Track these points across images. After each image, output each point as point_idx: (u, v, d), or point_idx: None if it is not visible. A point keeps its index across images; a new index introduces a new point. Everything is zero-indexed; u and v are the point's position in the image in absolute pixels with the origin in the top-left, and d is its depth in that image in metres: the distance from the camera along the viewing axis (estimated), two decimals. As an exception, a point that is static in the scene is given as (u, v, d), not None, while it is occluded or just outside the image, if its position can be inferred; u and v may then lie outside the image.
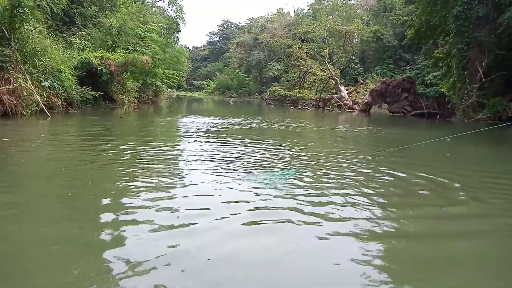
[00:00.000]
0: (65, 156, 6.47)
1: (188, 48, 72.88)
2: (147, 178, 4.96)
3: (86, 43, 20.41)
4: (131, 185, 4.64)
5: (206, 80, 73.69)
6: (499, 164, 7.57)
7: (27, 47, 12.35)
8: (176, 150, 7.71)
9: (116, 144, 7.81)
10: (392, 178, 5.66)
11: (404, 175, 5.87)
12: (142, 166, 5.72)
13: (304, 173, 5.48)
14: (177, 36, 36.74)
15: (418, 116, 24.24)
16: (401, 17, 31.64)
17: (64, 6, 16.69)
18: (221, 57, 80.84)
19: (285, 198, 4.30)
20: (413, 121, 21.89)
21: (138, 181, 4.86)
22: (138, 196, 4.22)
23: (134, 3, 28.95)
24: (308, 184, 4.93)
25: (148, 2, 40.32)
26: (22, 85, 11.57)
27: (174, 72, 31.99)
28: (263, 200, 4.19)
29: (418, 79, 32.05)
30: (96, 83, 17.87)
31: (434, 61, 26.28)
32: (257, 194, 4.38)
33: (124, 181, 4.88)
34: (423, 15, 22.73)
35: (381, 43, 39.79)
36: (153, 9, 39.98)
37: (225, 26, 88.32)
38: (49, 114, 12.17)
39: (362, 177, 5.52)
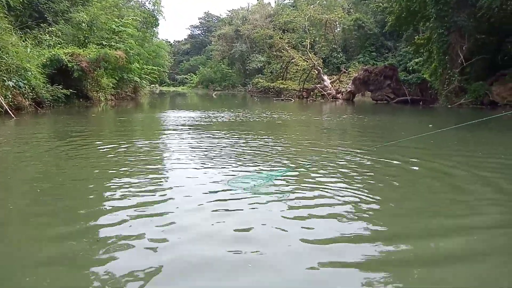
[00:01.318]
0: (23, 162, 5.91)
1: (170, 42, 71.67)
2: (125, 188, 4.38)
3: (57, 39, 19.54)
4: (105, 194, 4.18)
5: (189, 74, 72.69)
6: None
7: (-15, 45, 11.58)
8: (153, 150, 7.16)
9: (82, 145, 7.26)
10: (386, 171, 5.34)
11: (397, 165, 5.55)
12: (117, 171, 5.21)
13: (293, 172, 5.00)
14: (155, 30, 35.70)
15: (402, 103, 24.14)
16: (381, 4, 31.37)
17: (24, 0, 15.79)
18: (203, 50, 79.75)
19: (272, 203, 3.80)
20: (396, 108, 21.75)
21: (113, 190, 4.38)
22: (113, 207, 3.77)
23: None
24: (298, 185, 4.43)
25: (125, -5, 39.10)
26: (-19, 85, 10.84)
27: (154, 67, 31.13)
28: (249, 207, 3.69)
29: (400, 66, 32.00)
30: (68, 81, 17.07)
31: (415, 48, 26.17)
32: (242, 199, 3.90)
33: (96, 192, 4.40)
34: (403, 1, 22.49)
35: (363, 31, 39.58)
36: (131, 3, 38.81)
37: (206, 18, 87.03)
38: (13, 116, 11.45)
39: (354, 173, 5.09)
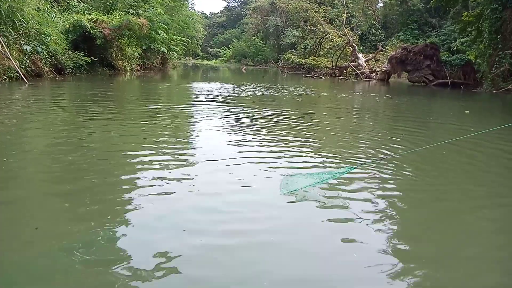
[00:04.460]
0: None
1: (205, 14, 70.61)
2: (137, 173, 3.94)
3: (85, 5, 19.30)
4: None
5: (223, 47, 71.58)
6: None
7: (2, 7, 11.27)
8: (174, 130, 6.54)
9: (84, 112, 6.85)
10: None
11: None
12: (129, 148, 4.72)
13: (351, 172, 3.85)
14: (187, 1, 34.88)
15: (441, 86, 22.32)
16: (428, -24, 28.81)
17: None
18: (238, 23, 77.98)
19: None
20: (436, 91, 20.06)
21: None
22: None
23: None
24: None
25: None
26: (-5, 48, 10.66)
27: (182, 38, 30.51)
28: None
29: (443, 45, 29.61)
30: (92, 49, 16.86)
31: (462, 26, 23.89)
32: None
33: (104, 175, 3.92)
34: (452, -28, 20.34)
35: (406, 7, 36.89)
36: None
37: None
38: (26, 81, 11.27)
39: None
